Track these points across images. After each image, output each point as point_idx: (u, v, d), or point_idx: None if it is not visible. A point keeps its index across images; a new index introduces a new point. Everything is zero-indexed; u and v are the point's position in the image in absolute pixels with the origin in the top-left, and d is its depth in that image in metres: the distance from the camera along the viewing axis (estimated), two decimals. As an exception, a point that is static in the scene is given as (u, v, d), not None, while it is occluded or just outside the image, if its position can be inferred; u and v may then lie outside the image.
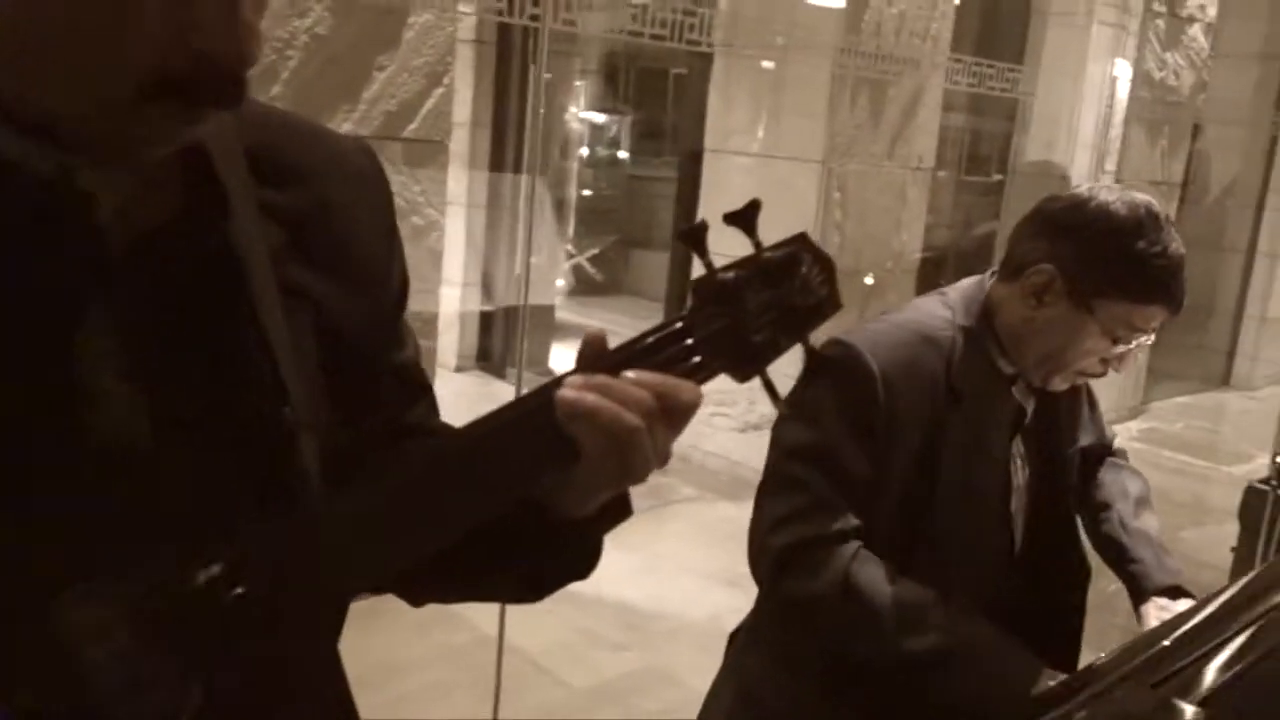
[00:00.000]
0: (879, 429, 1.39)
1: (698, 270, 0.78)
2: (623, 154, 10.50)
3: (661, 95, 10.34)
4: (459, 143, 6.21)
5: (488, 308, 6.16)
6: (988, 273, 1.56)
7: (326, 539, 0.70)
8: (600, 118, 10.41)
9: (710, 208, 4.73)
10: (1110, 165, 6.06)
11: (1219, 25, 6.61)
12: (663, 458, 0.74)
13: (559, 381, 0.72)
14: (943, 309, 1.51)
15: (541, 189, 6.36)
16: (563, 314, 7.97)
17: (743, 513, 1.50)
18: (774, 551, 1.41)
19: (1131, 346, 1.47)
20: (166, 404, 0.71)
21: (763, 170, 4.66)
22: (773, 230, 0.76)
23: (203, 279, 0.73)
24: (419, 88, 3.10)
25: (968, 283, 1.56)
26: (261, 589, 0.66)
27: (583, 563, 0.87)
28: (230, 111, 0.70)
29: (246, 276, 0.74)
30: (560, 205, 8.23)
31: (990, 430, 1.50)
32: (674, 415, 0.73)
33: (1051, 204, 1.49)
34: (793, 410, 1.43)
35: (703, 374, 0.75)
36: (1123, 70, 5.99)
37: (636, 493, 0.81)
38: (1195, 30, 6.35)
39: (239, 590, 0.65)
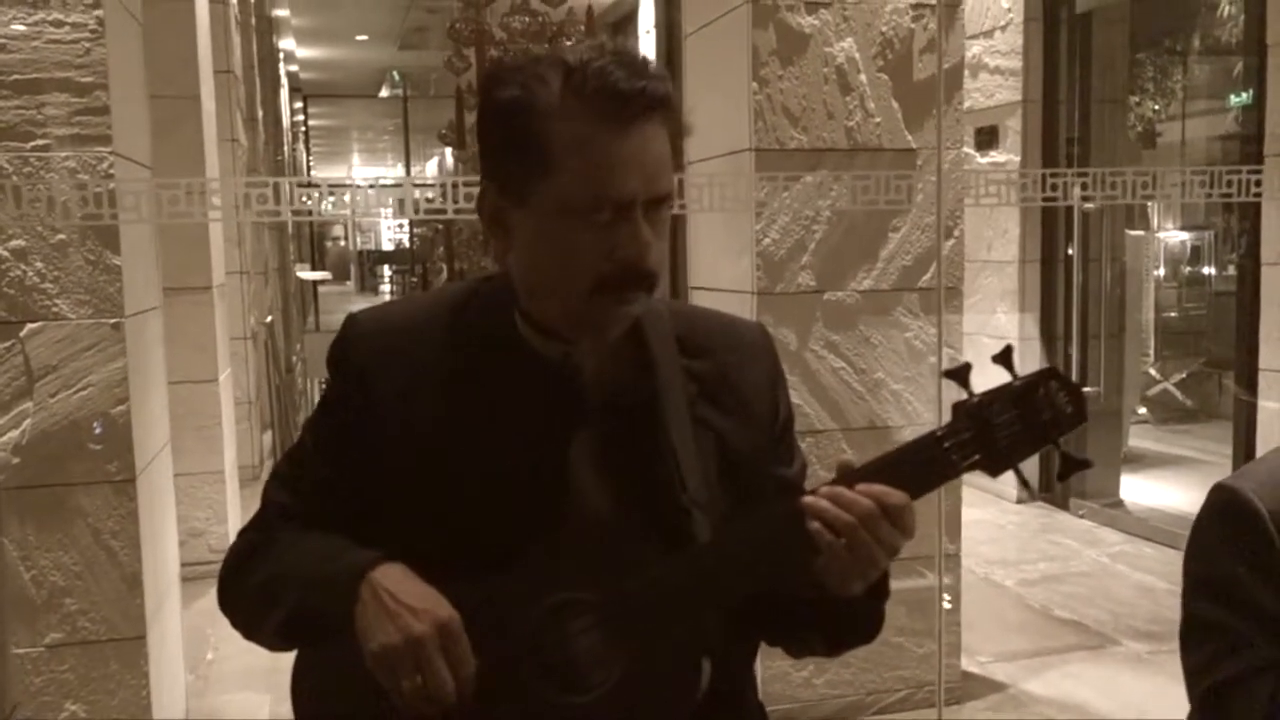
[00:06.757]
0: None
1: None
2: (1208, 270, 9.83)
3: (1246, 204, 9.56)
4: (1009, 279, 6.41)
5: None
6: None
7: (670, 579, 1.09)
8: (1180, 235, 9.88)
9: (1271, 320, 4.47)
10: None
11: None
12: (889, 550, 1.05)
13: (815, 491, 1.06)
14: None
15: (1096, 318, 6.31)
16: (1143, 443, 7.61)
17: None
18: (1197, 700, 1.40)
19: None
20: (618, 491, 1.16)
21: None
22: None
23: (640, 414, 1.18)
24: (931, 242, 3.46)
25: None
26: (657, 597, 1.07)
27: (864, 631, 1.20)
28: (649, 295, 1.13)
29: (663, 412, 1.17)
30: (1138, 330, 7.95)
31: None
32: (890, 514, 1.03)
33: None
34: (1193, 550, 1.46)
35: (957, 470, 1.04)
36: None
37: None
38: None
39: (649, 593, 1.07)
